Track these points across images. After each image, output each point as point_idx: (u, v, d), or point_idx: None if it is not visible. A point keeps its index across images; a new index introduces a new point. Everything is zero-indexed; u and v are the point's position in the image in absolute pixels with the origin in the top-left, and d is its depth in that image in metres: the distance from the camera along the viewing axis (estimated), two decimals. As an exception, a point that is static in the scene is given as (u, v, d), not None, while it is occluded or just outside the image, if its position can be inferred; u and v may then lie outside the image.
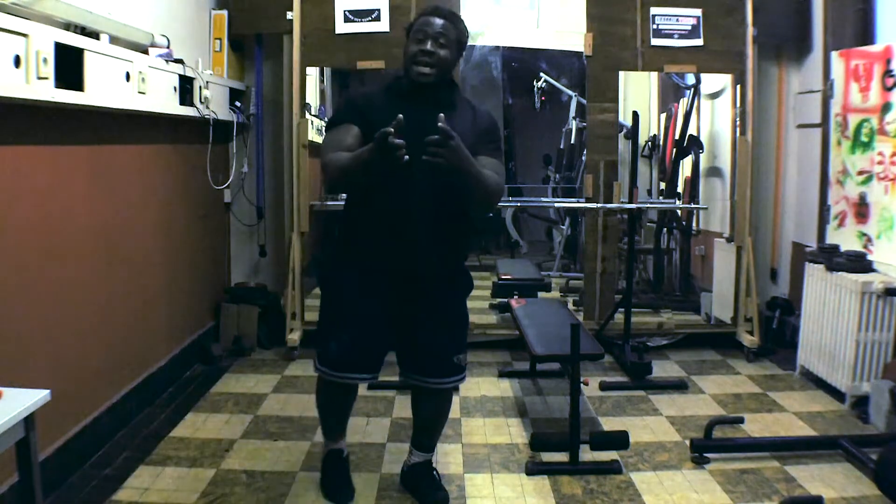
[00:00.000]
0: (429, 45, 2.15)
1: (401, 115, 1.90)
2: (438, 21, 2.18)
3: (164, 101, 3.16)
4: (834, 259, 3.44)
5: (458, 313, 2.42)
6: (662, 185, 5.08)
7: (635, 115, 4.68)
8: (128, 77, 2.77)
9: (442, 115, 1.94)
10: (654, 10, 4.05)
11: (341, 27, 3.98)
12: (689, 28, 4.07)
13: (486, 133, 2.28)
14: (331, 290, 2.39)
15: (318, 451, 2.83)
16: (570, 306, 4.30)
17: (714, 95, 4.62)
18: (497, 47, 4.94)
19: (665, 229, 5.02)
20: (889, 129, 3.32)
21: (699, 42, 4.07)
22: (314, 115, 4.54)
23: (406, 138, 1.95)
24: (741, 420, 3.07)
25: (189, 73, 3.38)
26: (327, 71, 4.95)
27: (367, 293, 2.26)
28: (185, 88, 3.38)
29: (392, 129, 1.88)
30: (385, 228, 2.21)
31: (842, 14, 3.85)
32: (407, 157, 1.90)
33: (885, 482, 2.29)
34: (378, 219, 2.22)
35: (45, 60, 2.18)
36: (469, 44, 4.00)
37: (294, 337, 4.00)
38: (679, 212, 4.92)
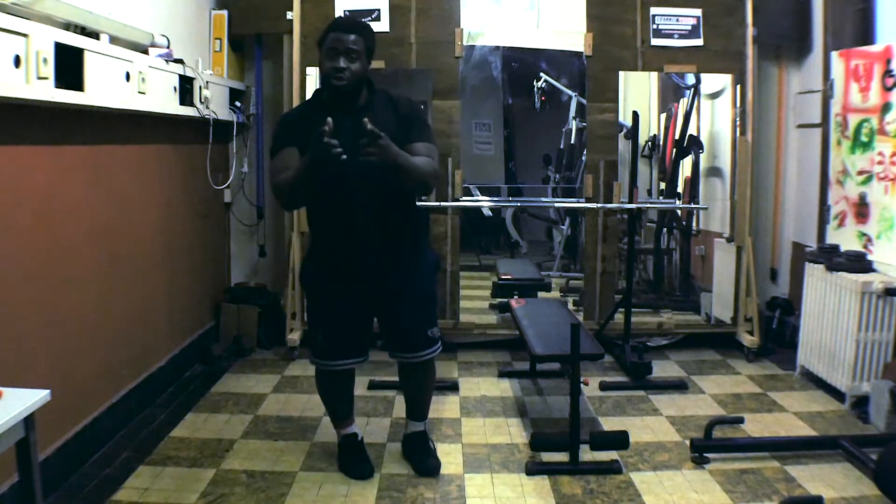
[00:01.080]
0: (341, 62, 2.32)
1: (329, 119, 2.13)
2: (349, 37, 2.33)
3: (164, 101, 3.16)
4: (834, 259, 3.44)
5: (424, 292, 2.63)
6: (662, 185, 5.08)
7: (635, 115, 4.67)
8: (128, 77, 2.77)
9: (366, 119, 2.14)
10: (654, 10, 4.05)
11: (341, 27, 3.97)
12: (689, 28, 4.07)
13: (410, 119, 2.47)
14: (310, 291, 2.65)
15: (318, 451, 2.84)
16: (570, 306, 4.30)
17: (714, 95, 4.62)
18: (497, 47, 4.93)
19: (665, 229, 5.01)
20: (889, 129, 3.32)
21: (699, 42, 4.07)
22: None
23: (345, 144, 2.18)
24: (741, 420, 3.07)
25: (189, 73, 3.38)
26: (327, 71, 4.93)
27: (338, 288, 2.51)
28: (185, 88, 3.38)
29: (326, 129, 2.10)
30: (338, 230, 2.46)
31: (842, 14, 3.85)
32: (344, 155, 2.12)
33: (885, 482, 2.29)
34: (330, 222, 2.47)
35: (45, 60, 2.18)
36: (469, 44, 4.07)
37: (294, 337, 4.00)
38: (679, 212, 4.91)
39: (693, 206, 4.73)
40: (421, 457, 2.71)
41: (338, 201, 2.40)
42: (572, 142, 5.55)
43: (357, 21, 2.48)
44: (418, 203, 2.70)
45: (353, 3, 3.98)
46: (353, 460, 2.68)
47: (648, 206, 4.75)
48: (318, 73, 2.45)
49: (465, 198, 4.22)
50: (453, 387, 3.55)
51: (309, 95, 4.22)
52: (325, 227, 2.51)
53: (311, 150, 2.18)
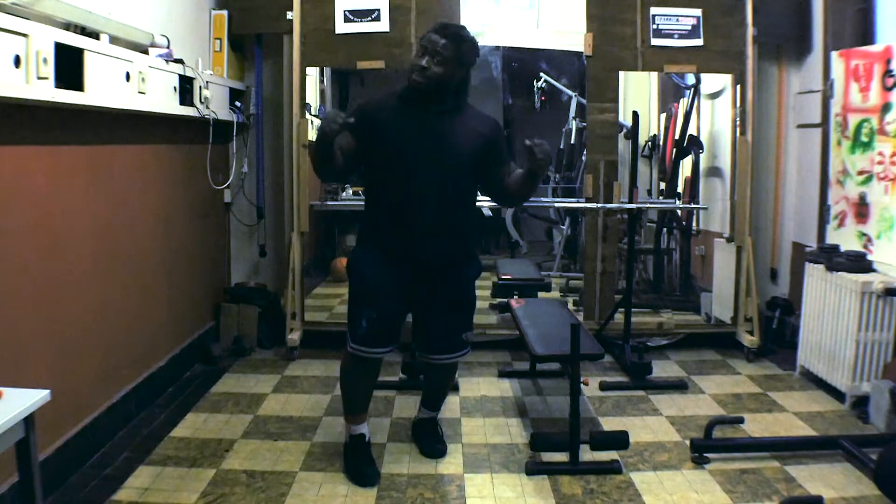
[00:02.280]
0: (424, 61, 2.40)
1: (351, 119, 2.27)
2: (440, 40, 2.39)
3: (164, 101, 3.16)
4: (834, 259, 3.44)
5: (467, 297, 2.70)
6: (662, 185, 5.08)
7: (635, 115, 4.67)
8: (128, 77, 2.77)
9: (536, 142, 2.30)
10: (654, 10, 4.05)
11: (341, 27, 3.98)
12: (689, 28, 4.07)
13: (499, 143, 2.61)
14: (359, 276, 2.61)
15: (318, 451, 2.84)
16: (570, 306, 4.30)
17: (714, 95, 4.62)
18: (497, 47, 4.92)
19: (665, 229, 5.02)
20: (889, 129, 3.32)
21: (699, 42, 4.07)
22: (314, 115, 4.54)
23: (410, 139, 2.45)
24: (741, 420, 3.07)
25: (189, 73, 3.38)
26: (327, 71, 4.95)
27: (387, 277, 2.53)
28: (185, 88, 3.38)
29: (340, 117, 2.23)
30: (398, 222, 2.50)
31: (842, 14, 3.85)
32: (336, 125, 2.23)
33: (885, 482, 2.29)
34: (394, 213, 2.51)
35: (45, 60, 2.18)
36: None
37: (294, 337, 4.00)
38: (679, 212, 4.92)
39: (693, 206, 4.73)
40: (430, 441, 2.84)
41: (405, 194, 2.46)
42: (572, 142, 5.55)
43: (457, 29, 2.49)
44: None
45: (353, 3, 3.98)
46: (360, 463, 2.64)
47: (648, 206, 4.75)
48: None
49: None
50: (453, 387, 3.54)
51: (309, 95, 4.25)
52: (387, 217, 2.53)
53: (323, 125, 2.27)
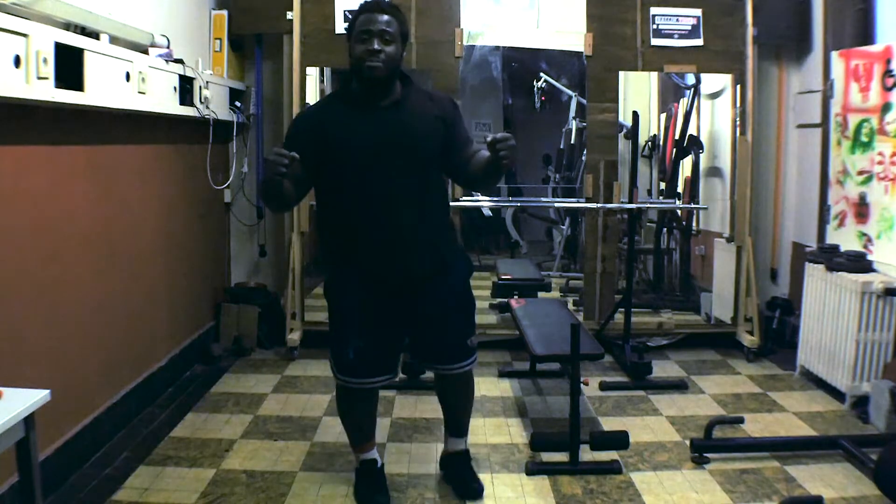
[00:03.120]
0: (375, 44, 2.14)
1: (295, 154, 1.98)
2: (382, 17, 2.16)
3: (164, 101, 3.16)
4: (834, 259, 3.44)
5: (463, 297, 2.44)
6: (662, 185, 5.08)
7: (635, 115, 4.67)
8: (128, 77, 2.77)
9: (507, 133, 2.01)
10: (654, 10, 4.05)
11: (341, 27, 3.98)
12: (689, 28, 4.07)
13: (458, 124, 2.34)
14: (336, 298, 2.37)
15: (318, 451, 2.84)
16: (570, 306, 4.30)
17: (714, 95, 4.62)
18: (497, 47, 4.93)
19: (665, 229, 5.02)
20: (889, 129, 3.32)
21: (699, 42, 4.07)
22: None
23: (362, 142, 2.18)
24: (741, 420, 3.07)
25: (189, 73, 3.38)
26: (327, 71, 4.94)
27: (369, 298, 2.29)
28: (185, 88, 3.38)
29: (274, 159, 1.98)
30: (367, 235, 2.24)
31: (842, 14, 3.84)
32: (284, 171, 1.98)
33: (885, 482, 2.29)
34: (357, 228, 2.25)
35: (45, 60, 2.18)
36: (469, 44, 4.06)
37: (294, 337, 4.00)
38: (679, 212, 4.92)
39: (693, 206, 4.73)
40: (463, 479, 2.53)
41: (368, 203, 2.20)
42: (572, 142, 5.55)
43: (388, 2, 2.24)
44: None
45: (353, 3, 3.97)
46: (371, 491, 2.45)
47: (648, 206, 4.75)
48: (346, 65, 2.26)
49: (464, 198, 4.22)
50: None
51: (309, 95, 4.25)
52: (354, 232, 2.26)
53: (266, 167, 2.05)
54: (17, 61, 2.08)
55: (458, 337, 2.41)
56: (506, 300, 3.91)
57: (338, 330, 2.37)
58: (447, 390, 2.55)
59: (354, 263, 2.29)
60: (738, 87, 4.14)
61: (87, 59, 2.45)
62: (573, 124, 5.50)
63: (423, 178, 2.25)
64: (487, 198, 5.03)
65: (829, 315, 3.43)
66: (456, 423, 2.59)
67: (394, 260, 2.25)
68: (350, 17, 2.23)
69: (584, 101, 4.29)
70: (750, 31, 4.04)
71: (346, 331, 2.33)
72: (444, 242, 2.38)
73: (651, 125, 5.17)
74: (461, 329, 2.42)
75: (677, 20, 4.07)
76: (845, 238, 3.63)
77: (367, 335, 2.30)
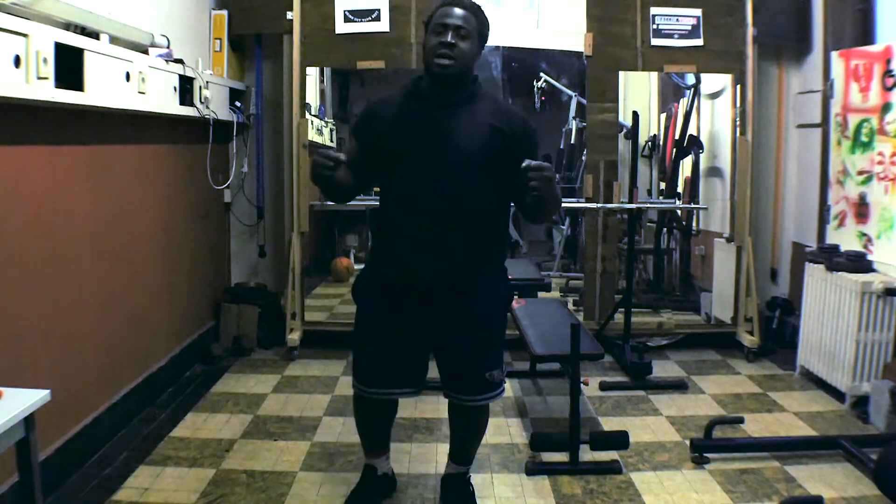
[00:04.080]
0: (449, 37, 2.04)
1: (341, 156, 1.96)
2: (459, 11, 2.08)
3: (164, 101, 3.16)
4: (834, 259, 3.44)
5: (490, 327, 2.25)
6: (662, 185, 5.08)
7: (635, 115, 4.67)
8: (128, 77, 2.77)
9: (537, 163, 1.89)
10: (654, 10, 4.05)
11: (341, 27, 3.98)
12: (689, 28, 4.07)
13: (525, 140, 2.14)
14: (358, 305, 2.30)
15: (318, 451, 2.84)
16: (570, 306, 4.30)
17: (714, 95, 4.62)
18: (497, 47, 4.92)
19: (665, 229, 5.02)
20: (889, 129, 3.32)
21: (699, 42, 4.07)
22: (314, 115, 4.54)
23: (408, 140, 2.08)
24: (741, 420, 3.07)
25: (189, 73, 3.38)
26: (327, 71, 4.96)
27: (390, 306, 2.19)
28: (185, 88, 3.38)
29: (322, 158, 1.95)
30: (403, 240, 2.14)
31: (842, 14, 3.85)
32: (329, 172, 1.95)
33: (885, 482, 2.29)
34: (391, 228, 2.17)
35: (45, 60, 2.18)
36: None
37: (294, 337, 4.00)
38: (679, 212, 4.92)
39: (693, 206, 4.73)
40: (457, 501, 2.41)
41: (406, 203, 2.10)
42: (572, 142, 5.55)
43: (472, 0, 2.15)
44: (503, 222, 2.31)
45: (353, 3, 3.98)
46: (359, 495, 2.40)
47: (648, 206, 4.75)
48: (421, 55, 2.17)
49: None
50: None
51: (309, 95, 4.25)
52: (388, 232, 2.18)
53: (314, 167, 2.00)
54: (17, 61, 2.08)
55: (477, 368, 2.22)
56: (506, 300, 3.91)
57: (358, 335, 2.30)
58: (457, 418, 2.38)
59: (383, 267, 2.22)
60: (738, 87, 4.14)
61: (87, 59, 2.45)
62: (573, 124, 5.50)
63: (466, 187, 2.08)
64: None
65: (829, 315, 3.43)
66: (459, 452, 2.43)
67: (411, 267, 2.13)
68: (432, 11, 2.16)
69: (584, 101, 4.29)
70: (750, 31, 4.05)
71: (363, 338, 2.27)
72: (476, 260, 2.17)
73: (651, 125, 5.17)
74: (480, 360, 2.22)
75: (677, 20, 4.07)
76: (845, 238, 3.63)
77: (382, 346, 2.21)
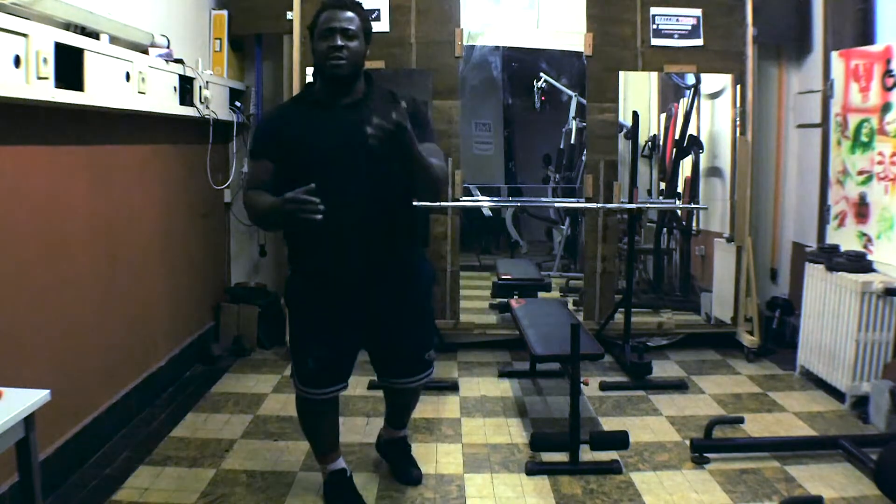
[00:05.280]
0: (338, 40, 2.12)
1: (312, 185, 1.94)
2: (344, 13, 2.15)
3: (164, 101, 3.16)
4: (834, 259, 3.44)
5: (422, 308, 2.44)
6: (662, 185, 5.08)
7: (635, 115, 4.67)
8: (128, 77, 2.77)
9: (397, 111, 1.93)
10: (654, 10, 4.05)
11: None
12: (689, 28, 4.07)
13: (417, 119, 2.17)
14: (297, 309, 2.36)
15: (318, 451, 2.84)
16: (570, 306, 4.30)
17: (714, 95, 4.62)
18: (497, 47, 4.92)
19: (665, 229, 5.02)
20: (889, 129, 3.32)
21: (699, 42, 4.07)
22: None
23: (324, 140, 2.16)
24: (741, 420, 3.07)
25: (189, 73, 3.38)
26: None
27: (330, 306, 2.27)
28: (185, 88, 3.38)
29: (307, 200, 1.92)
30: (327, 238, 2.17)
31: (842, 14, 3.85)
32: (319, 216, 1.93)
33: (885, 482, 2.29)
34: (323, 230, 2.10)
35: (45, 60, 2.18)
36: (469, 44, 4.06)
37: (294, 337, 4.00)
38: (679, 212, 4.92)
39: (693, 206, 4.73)
40: (403, 465, 2.62)
41: (330, 203, 2.06)
42: (572, 142, 5.55)
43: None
44: (416, 204, 2.42)
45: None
46: (347, 499, 2.44)
47: (648, 206, 4.75)
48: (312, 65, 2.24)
49: (465, 198, 4.22)
50: (453, 387, 3.54)
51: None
52: (315, 235, 2.16)
53: (287, 205, 1.96)
54: (17, 61, 2.08)
55: (417, 349, 2.39)
56: (506, 300, 3.91)
57: (298, 339, 2.36)
58: (394, 397, 2.58)
59: (316, 269, 2.26)
60: (738, 87, 4.14)
61: (87, 59, 2.45)
62: (573, 124, 5.50)
63: (384, 179, 2.18)
64: (488, 198, 5.04)
65: (829, 315, 3.43)
66: (399, 419, 2.64)
67: (351, 258, 2.21)
68: (314, 16, 2.22)
69: (584, 101, 4.29)
70: (750, 31, 4.04)
71: (307, 339, 2.31)
72: (405, 245, 2.33)
73: (651, 125, 5.17)
74: (420, 341, 2.40)
75: (677, 20, 4.07)
76: (845, 238, 3.63)
77: (326, 343, 2.28)
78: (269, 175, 2.20)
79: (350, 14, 2.16)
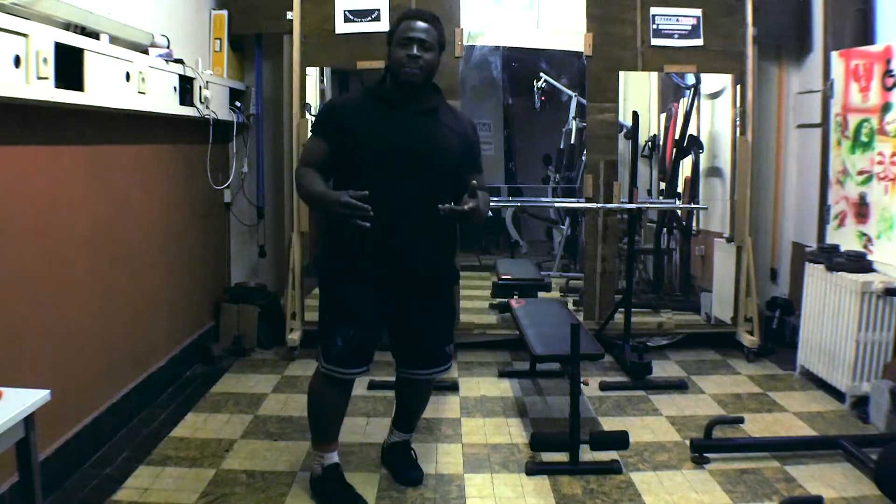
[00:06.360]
0: (415, 50, 2.24)
1: (366, 192, 2.13)
2: (422, 24, 2.27)
3: (164, 101, 3.16)
4: (834, 259, 3.44)
5: (448, 306, 2.56)
6: (662, 185, 5.08)
7: (635, 115, 4.67)
8: (128, 77, 2.77)
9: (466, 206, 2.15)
10: (654, 10, 4.05)
11: (341, 27, 3.98)
12: (689, 28, 4.07)
13: (475, 148, 2.46)
14: (333, 292, 2.41)
15: (318, 451, 2.84)
16: (570, 306, 4.30)
17: (714, 95, 4.62)
18: (497, 47, 4.92)
19: (665, 229, 5.02)
20: (889, 129, 3.32)
21: (699, 42, 4.07)
22: (314, 115, 4.53)
23: (391, 143, 2.27)
24: (741, 420, 3.07)
25: (189, 73, 3.38)
26: (327, 71, 4.94)
27: (367, 293, 2.33)
28: (185, 88, 3.38)
29: (359, 207, 2.10)
30: (378, 234, 2.22)
31: (842, 14, 3.85)
32: (368, 223, 2.11)
33: (885, 482, 2.29)
34: (374, 225, 2.19)
35: (45, 60, 2.18)
36: (469, 44, 4.06)
37: (294, 337, 4.00)
38: (679, 212, 4.92)
39: (693, 206, 4.73)
40: (405, 466, 2.64)
41: (385, 202, 2.20)
42: (572, 142, 5.55)
43: (431, 13, 2.36)
44: None
45: (353, 3, 3.98)
46: (345, 496, 2.45)
47: (648, 206, 4.75)
48: (386, 66, 2.36)
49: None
50: (453, 387, 3.54)
51: (309, 95, 4.25)
52: (366, 229, 2.22)
53: (340, 208, 2.14)
54: (17, 61, 2.08)
55: (441, 343, 2.50)
56: (506, 300, 3.91)
57: (329, 319, 2.41)
58: (408, 391, 2.62)
59: (360, 258, 2.31)
60: (738, 87, 4.14)
61: (87, 59, 2.45)
62: (573, 124, 5.50)
63: (439, 187, 2.29)
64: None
65: (829, 315, 3.43)
66: (409, 422, 2.69)
67: (399, 260, 2.32)
68: (393, 22, 2.35)
69: (584, 101, 4.29)
70: (750, 31, 4.05)
71: (338, 319, 2.37)
72: (444, 252, 2.45)
73: (651, 125, 5.17)
74: (444, 334, 2.52)
75: (677, 20, 4.07)
76: (845, 238, 3.63)
77: (355, 325, 2.34)
78: (324, 155, 2.33)
79: (428, 26, 2.28)
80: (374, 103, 2.34)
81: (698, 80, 4.64)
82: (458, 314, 2.58)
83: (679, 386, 3.60)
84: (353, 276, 2.34)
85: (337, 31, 3.98)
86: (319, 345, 2.41)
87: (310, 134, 2.46)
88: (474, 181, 2.21)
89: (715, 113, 4.66)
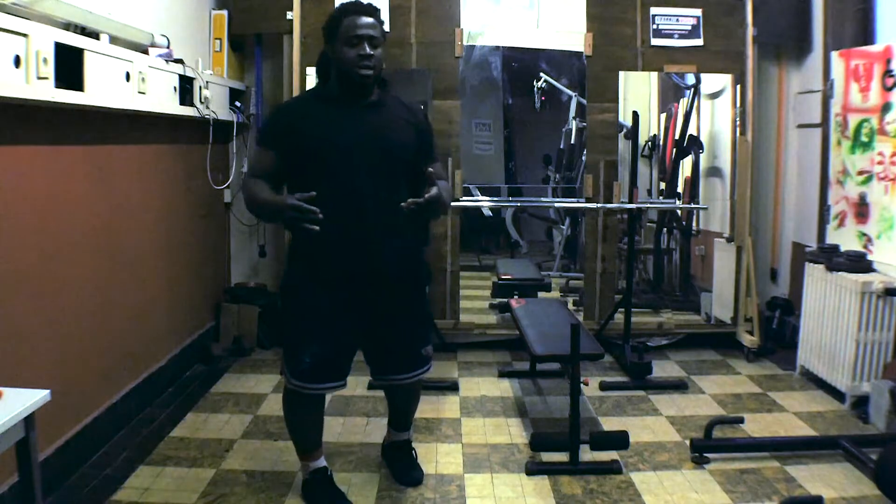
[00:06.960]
0: (367, 49, 2.18)
1: (314, 192, 2.06)
2: (368, 20, 2.20)
3: (164, 101, 3.16)
4: (834, 259, 3.44)
5: (421, 307, 2.50)
6: (662, 185, 5.08)
7: (635, 115, 4.67)
8: (128, 77, 2.77)
9: (426, 197, 2.10)
10: (654, 10, 4.05)
11: (341, 27, 3.97)
12: (689, 28, 4.07)
13: (427, 135, 2.40)
14: (296, 305, 2.33)
15: (318, 451, 2.84)
16: (570, 306, 4.30)
17: (714, 95, 4.62)
18: (497, 47, 4.92)
19: (665, 229, 5.02)
20: (889, 129, 3.32)
21: (699, 42, 4.07)
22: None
23: (344, 139, 2.21)
24: (741, 420, 3.07)
25: (189, 73, 3.38)
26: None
27: (331, 302, 2.27)
28: (185, 88, 3.38)
29: (307, 209, 2.04)
30: (337, 234, 2.18)
31: (842, 14, 3.85)
32: (317, 227, 2.05)
33: (885, 482, 2.29)
34: (329, 225, 2.12)
35: (45, 60, 2.18)
36: (469, 44, 4.07)
37: (294, 337, 3.99)
38: (679, 212, 4.92)
39: (693, 206, 4.73)
40: (404, 466, 2.63)
41: (343, 201, 2.17)
42: (572, 142, 5.55)
43: (370, 4, 2.26)
44: None
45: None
46: (335, 498, 2.42)
47: (648, 206, 4.75)
48: (333, 65, 2.27)
49: (465, 198, 4.22)
50: (453, 387, 3.55)
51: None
52: (323, 230, 2.13)
53: (288, 212, 2.07)
54: (17, 61, 2.08)
55: (416, 346, 2.43)
56: (506, 300, 3.91)
57: (295, 336, 2.33)
58: (395, 395, 2.60)
59: (320, 262, 2.26)
60: (738, 87, 4.14)
61: (87, 59, 2.45)
62: (573, 124, 5.50)
63: (396, 181, 2.26)
64: (488, 198, 5.03)
65: (829, 315, 3.43)
66: (402, 421, 2.67)
67: (362, 259, 2.24)
68: (332, 15, 2.26)
69: (584, 101, 4.29)
70: (750, 31, 4.05)
71: (304, 335, 2.29)
72: (408, 245, 2.36)
73: (651, 125, 5.17)
74: (418, 336, 2.44)
75: (677, 20, 4.07)
76: (845, 238, 3.63)
77: (323, 340, 2.27)
78: (272, 166, 2.26)
79: (373, 20, 2.21)
80: (320, 103, 2.30)
81: (698, 80, 4.64)
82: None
83: (679, 386, 3.60)
84: (316, 284, 2.26)
85: (337, 31, 3.97)
86: (285, 360, 2.34)
87: (255, 146, 2.39)
88: (431, 169, 2.19)
89: (715, 113, 4.65)
